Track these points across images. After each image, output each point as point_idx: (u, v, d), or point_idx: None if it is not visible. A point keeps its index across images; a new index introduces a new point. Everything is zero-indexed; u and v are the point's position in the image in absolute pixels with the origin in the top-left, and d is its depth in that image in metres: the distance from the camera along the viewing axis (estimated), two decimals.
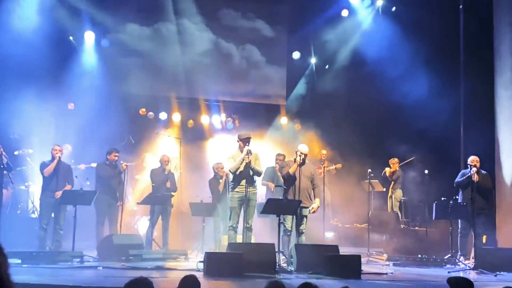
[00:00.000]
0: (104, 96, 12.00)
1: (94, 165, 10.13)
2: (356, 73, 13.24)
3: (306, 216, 8.41)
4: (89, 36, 12.77)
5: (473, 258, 8.54)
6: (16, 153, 10.78)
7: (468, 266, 8.46)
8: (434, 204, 9.23)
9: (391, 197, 12.17)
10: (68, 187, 8.91)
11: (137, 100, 13.07)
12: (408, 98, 11.94)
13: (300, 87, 14.40)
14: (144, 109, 13.27)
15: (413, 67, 12.33)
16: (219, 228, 9.86)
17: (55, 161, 8.84)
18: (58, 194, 8.72)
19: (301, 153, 8.41)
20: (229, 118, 13.77)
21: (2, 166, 8.39)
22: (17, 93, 10.74)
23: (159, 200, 9.51)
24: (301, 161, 8.37)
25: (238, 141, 8.40)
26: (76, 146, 11.37)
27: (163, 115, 13.44)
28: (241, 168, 8.19)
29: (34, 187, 10.77)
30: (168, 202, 9.70)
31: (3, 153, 8.40)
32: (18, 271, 6.18)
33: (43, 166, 8.93)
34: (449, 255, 9.09)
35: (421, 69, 12.26)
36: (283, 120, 14.04)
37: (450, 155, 12.06)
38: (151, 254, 8.84)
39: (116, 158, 9.52)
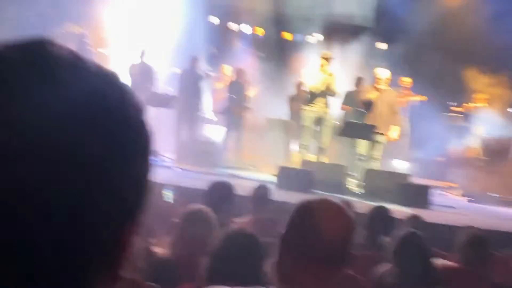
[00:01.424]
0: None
1: (178, 70, 10.33)
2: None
3: (382, 143, 8.31)
4: None
5: None
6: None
7: None
8: None
9: (473, 133, 11.73)
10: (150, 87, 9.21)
11: (222, 10, 12.99)
12: None
13: (391, 8, 13.72)
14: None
15: None
16: (291, 144, 9.97)
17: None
18: (142, 95, 9.04)
19: (379, 78, 8.19)
20: (313, 35, 13.48)
21: None
22: None
23: (234, 111, 9.67)
24: (380, 86, 8.16)
25: (320, 60, 8.29)
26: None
27: (246, 29, 13.34)
28: (319, 87, 8.11)
29: None
30: (243, 114, 9.85)
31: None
32: None
33: (130, 67, 9.26)
34: None
35: None
36: (369, 41, 13.59)
37: None
38: (226, 162, 9.13)
39: (197, 65, 9.66)
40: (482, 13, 11.63)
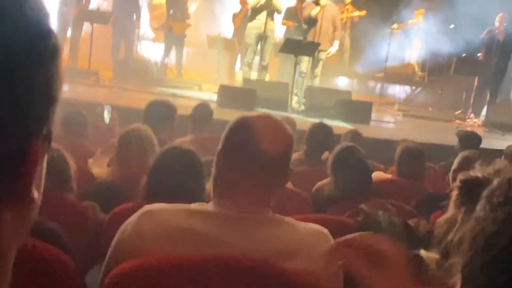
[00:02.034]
0: None
1: None
2: None
3: (322, 60, 8.33)
4: None
5: (483, 117, 8.62)
6: None
7: (477, 124, 8.56)
8: (454, 59, 9.10)
9: (410, 49, 11.91)
10: (85, 4, 8.77)
11: None
12: None
13: None
14: None
15: None
16: (235, 62, 9.85)
17: None
18: (75, 11, 8.59)
19: None
20: None
21: None
22: None
23: (174, 28, 9.37)
24: (322, 1, 8.06)
25: None
26: None
27: None
28: (262, 2, 7.93)
29: None
30: (184, 30, 9.56)
31: None
32: None
33: None
34: (460, 111, 9.16)
35: None
36: None
37: (480, 12, 11.55)
38: (166, 81, 8.94)
39: None
40: None
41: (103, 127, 4.72)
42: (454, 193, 1.62)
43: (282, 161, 1.51)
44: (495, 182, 0.80)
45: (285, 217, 1.55)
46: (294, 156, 3.90)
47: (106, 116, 4.79)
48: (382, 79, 10.55)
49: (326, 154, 3.62)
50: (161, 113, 3.87)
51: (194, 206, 1.52)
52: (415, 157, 3.60)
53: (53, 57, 0.52)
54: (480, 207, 0.79)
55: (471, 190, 1.46)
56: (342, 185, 2.84)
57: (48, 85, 0.51)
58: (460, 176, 1.60)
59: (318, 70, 8.35)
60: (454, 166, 3.32)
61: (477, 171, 1.58)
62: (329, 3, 8.25)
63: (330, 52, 8.28)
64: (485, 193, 0.80)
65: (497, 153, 4.32)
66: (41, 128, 0.52)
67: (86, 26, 8.81)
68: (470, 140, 4.65)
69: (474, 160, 3.20)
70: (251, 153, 1.46)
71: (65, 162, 2.39)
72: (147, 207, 1.51)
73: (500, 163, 1.59)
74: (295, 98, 8.01)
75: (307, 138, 3.93)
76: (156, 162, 2.22)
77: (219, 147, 1.53)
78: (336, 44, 8.32)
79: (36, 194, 0.52)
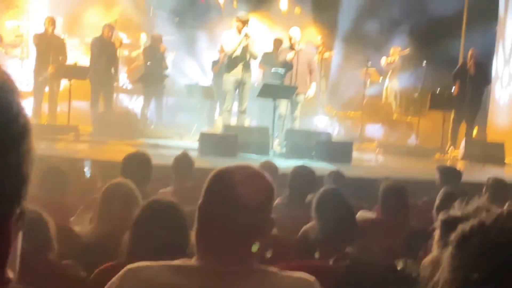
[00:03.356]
0: None
1: (88, 40, 9.94)
2: None
3: (301, 102, 8.42)
4: None
5: (462, 149, 8.73)
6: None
7: (457, 157, 8.66)
8: (429, 94, 9.29)
9: (387, 87, 12.12)
10: (62, 60, 8.83)
11: None
12: None
13: None
14: None
15: None
16: (215, 110, 9.91)
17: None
18: (52, 68, 8.63)
19: (294, 38, 8.24)
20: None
21: None
22: None
23: (153, 79, 9.46)
24: (294, 46, 8.20)
25: (236, 22, 8.20)
26: (69, 18, 11.04)
27: None
28: (238, 51, 8.06)
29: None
30: (162, 81, 9.66)
31: None
32: None
33: (35, 38, 8.79)
34: (439, 145, 9.28)
35: None
36: (283, 2, 13.61)
37: (449, 48, 11.88)
38: (147, 132, 8.95)
39: (111, 34, 9.31)
40: None
41: (84, 182, 4.68)
42: (437, 233, 1.63)
43: (264, 211, 1.51)
44: (467, 226, 0.81)
45: (270, 266, 1.53)
46: (278, 200, 3.91)
47: (87, 171, 4.75)
48: (360, 117, 10.68)
49: (309, 197, 3.62)
50: (139, 165, 3.85)
51: (177, 262, 1.51)
52: (399, 195, 3.62)
53: (23, 137, 0.52)
54: (454, 252, 0.80)
55: (452, 230, 1.47)
56: (327, 228, 2.83)
57: (19, 165, 0.51)
58: (441, 216, 1.62)
59: (297, 112, 8.43)
60: (436, 202, 3.35)
61: (457, 210, 1.60)
62: (303, 47, 8.41)
63: (308, 95, 8.39)
64: (456, 236, 0.81)
65: (478, 187, 4.36)
66: (14, 209, 0.51)
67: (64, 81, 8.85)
68: (450, 175, 4.70)
69: (455, 195, 3.24)
70: (231, 206, 1.46)
71: (45, 224, 2.36)
72: (129, 266, 1.49)
73: (478, 201, 1.61)
74: (276, 141, 8.06)
75: (290, 182, 3.94)
76: (139, 217, 2.20)
77: (200, 200, 1.53)
78: (313, 86, 8.43)
79: (11, 274, 0.52)
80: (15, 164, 0.50)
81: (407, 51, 12.06)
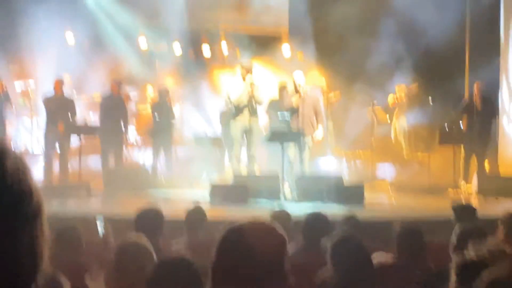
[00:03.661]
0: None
1: (97, 97, 10.09)
2: None
3: (308, 145, 8.44)
4: None
5: (475, 183, 8.66)
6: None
7: (470, 192, 8.59)
8: (438, 130, 9.30)
9: (395, 125, 12.12)
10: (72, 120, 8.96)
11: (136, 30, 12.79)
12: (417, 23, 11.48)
13: (304, 14, 14.00)
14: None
15: None
16: (224, 156, 9.95)
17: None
18: (62, 127, 8.75)
19: (298, 82, 8.34)
20: (231, 49, 13.52)
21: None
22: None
23: (161, 131, 9.56)
24: (298, 90, 8.29)
25: (240, 70, 8.33)
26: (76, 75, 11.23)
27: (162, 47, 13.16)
28: (244, 98, 8.15)
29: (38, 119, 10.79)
30: (170, 132, 9.75)
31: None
32: None
33: (45, 101, 8.96)
34: (451, 180, 9.22)
35: None
36: (286, 48, 13.79)
37: (454, 83, 11.91)
38: (157, 184, 8.98)
39: (119, 89, 9.46)
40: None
41: (97, 240, 4.66)
42: (453, 277, 1.61)
43: (278, 266, 1.51)
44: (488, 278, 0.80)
45: None
46: (292, 247, 3.87)
47: (100, 228, 4.75)
48: (369, 156, 10.66)
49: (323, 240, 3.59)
50: (151, 219, 3.87)
51: None
52: (414, 237, 3.58)
53: (36, 216, 0.53)
54: None
55: (468, 273, 1.45)
56: (344, 275, 2.80)
57: (33, 243, 0.52)
58: (456, 260, 1.60)
59: (305, 154, 8.43)
60: (452, 241, 3.31)
61: (472, 251, 1.58)
62: (308, 90, 8.49)
63: (316, 137, 8.41)
64: None
65: (494, 221, 4.30)
66: (29, 285, 0.52)
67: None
68: (465, 212, 4.65)
69: (471, 233, 3.21)
70: (245, 264, 1.45)
71: (59, 285, 2.35)
72: None
73: (492, 240, 1.60)
74: (286, 184, 8.04)
75: (304, 230, 3.91)
76: (153, 276, 2.19)
77: (213, 259, 1.53)
78: (320, 128, 8.45)
79: None
80: (29, 243, 0.51)
81: (415, 87, 12.09)
